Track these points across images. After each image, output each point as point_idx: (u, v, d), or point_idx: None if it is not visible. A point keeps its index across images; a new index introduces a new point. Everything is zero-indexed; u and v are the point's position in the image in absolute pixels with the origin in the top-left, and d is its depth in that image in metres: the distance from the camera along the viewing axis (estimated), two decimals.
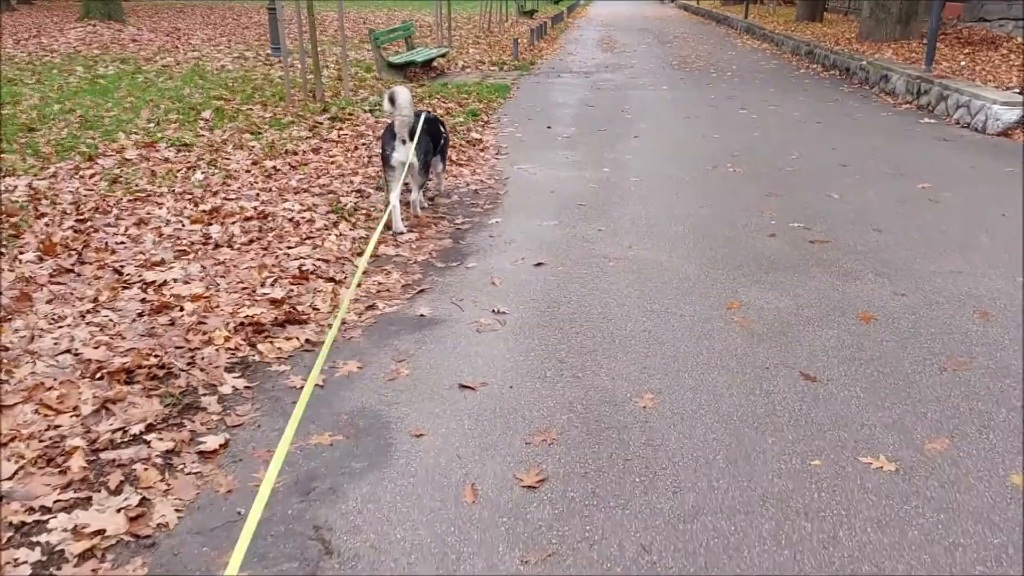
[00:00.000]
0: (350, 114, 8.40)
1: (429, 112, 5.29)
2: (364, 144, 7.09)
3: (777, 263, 4.43)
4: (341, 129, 7.68)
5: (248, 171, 6.09)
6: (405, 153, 4.72)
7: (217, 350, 3.21)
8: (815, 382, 3.13)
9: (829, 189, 5.95)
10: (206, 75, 11.45)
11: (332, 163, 6.40)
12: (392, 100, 4.69)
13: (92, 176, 5.85)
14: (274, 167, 6.20)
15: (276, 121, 7.96)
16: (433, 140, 5.13)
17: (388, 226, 4.78)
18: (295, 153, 6.68)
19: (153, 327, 3.38)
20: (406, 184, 4.96)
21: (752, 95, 10.80)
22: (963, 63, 11.74)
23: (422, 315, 3.75)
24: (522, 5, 26.84)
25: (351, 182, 5.83)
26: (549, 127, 8.54)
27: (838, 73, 12.97)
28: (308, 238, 4.59)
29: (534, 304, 3.88)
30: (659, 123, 8.81)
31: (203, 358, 3.14)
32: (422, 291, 4.02)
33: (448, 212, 5.46)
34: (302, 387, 2.96)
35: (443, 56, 13.23)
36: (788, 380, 3.14)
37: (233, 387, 3.01)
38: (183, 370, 3.03)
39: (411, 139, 4.73)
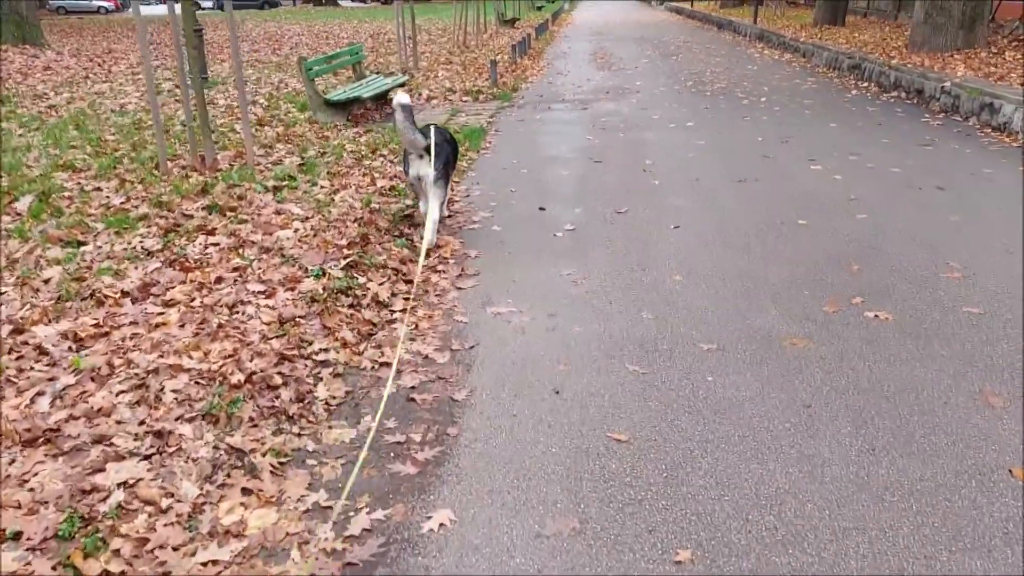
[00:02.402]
0: (240, 197, 5.51)
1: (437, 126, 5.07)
2: (238, 273, 4.18)
3: None
4: (214, 232, 4.81)
5: None
6: (416, 168, 4.79)
7: None
8: None
9: None
10: (86, 122, 8.56)
11: (157, 327, 3.53)
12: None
13: None
14: (40, 347, 3.33)
15: (120, 218, 5.07)
16: (452, 150, 5.12)
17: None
18: (102, 301, 3.80)
19: None
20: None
21: (811, 135, 7.99)
22: None
23: None
24: (502, 13, 24.07)
25: (160, 394, 2.93)
26: (542, 208, 5.69)
27: (904, 96, 10.19)
28: None
29: None
30: (703, 194, 5.97)
31: None
32: None
33: (343, 477, 2.61)
34: None
35: (401, 86, 10.35)
36: None
37: None
38: None
39: (428, 153, 4.72)
